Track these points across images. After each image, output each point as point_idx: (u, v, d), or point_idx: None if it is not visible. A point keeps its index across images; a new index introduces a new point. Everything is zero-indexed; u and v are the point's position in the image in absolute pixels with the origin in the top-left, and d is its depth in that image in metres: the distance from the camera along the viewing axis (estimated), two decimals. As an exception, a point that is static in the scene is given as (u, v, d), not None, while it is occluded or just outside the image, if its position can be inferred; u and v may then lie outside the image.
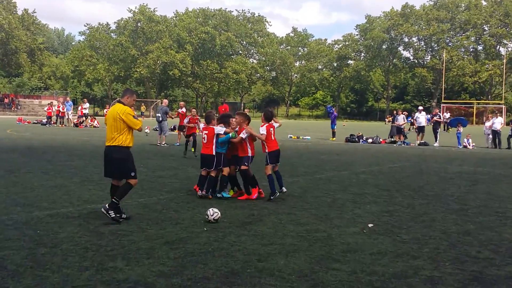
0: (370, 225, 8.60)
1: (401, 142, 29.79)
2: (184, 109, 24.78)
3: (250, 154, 10.65)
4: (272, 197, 10.52)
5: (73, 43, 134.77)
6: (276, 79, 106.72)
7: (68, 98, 46.92)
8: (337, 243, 7.40)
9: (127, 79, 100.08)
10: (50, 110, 42.58)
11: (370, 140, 30.41)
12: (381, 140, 30.53)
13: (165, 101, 27.44)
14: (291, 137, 33.87)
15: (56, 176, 12.90)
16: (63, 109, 41.97)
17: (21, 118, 47.82)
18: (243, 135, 10.53)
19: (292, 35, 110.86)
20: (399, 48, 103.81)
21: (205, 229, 7.96)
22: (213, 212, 8.42)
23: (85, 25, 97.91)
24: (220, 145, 10.48)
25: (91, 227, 7.79)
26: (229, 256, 6.51)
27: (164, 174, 14.08)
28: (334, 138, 32.84)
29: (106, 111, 43.41)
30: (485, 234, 8.25)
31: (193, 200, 10.31)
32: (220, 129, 10.58)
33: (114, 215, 8.01)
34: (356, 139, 30.76)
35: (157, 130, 25.79)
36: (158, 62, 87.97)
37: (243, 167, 10.53)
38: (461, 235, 8.10)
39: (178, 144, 24.00)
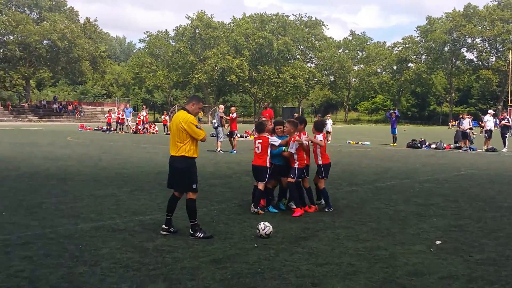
0: (437, 242, 7.78)
1: (467, 147, 28.30)
2: (235, 114, 24.35)
3: (297, 166, 9.73)
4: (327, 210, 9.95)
5: (134, 51, 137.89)
6: (334, 83, 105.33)
7: (127, 105, 47.52)
8: (401, 263, 6.65)
9: (186, 85, 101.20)
10: (110, 117, 43.19)
11: (433, 146, 29.07)
12: (445, 145, 29.13)
13: (221, 106, 27.00)
14: (349, 142, 32.91)
15: (107, 185, 12.64)
16: (122, 116, 42.47)
17: (83, 125, 48.81)
18: (291, 149, 9.68)
19: (350, 38, 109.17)
20: (462, 50, 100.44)
21: (255, 245, 7.37)
22: (265, 227, 7.83)
23: (144, 33, 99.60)
24: (273, 157, 9.84)
25: (135, 242, 7.35)
26: (280, 278, 5.89)
27: (216, 182, 13.60)
28: (395, 144, 31.64)
29: (164, 117, 43.78)
30: None
31: (244, 212, 9.75)
32: (275, 139, 9.87)
33: (203, 235, 7.69)
34: (418, 144, 29.48)
35: (214, 136, 25.44)
36: (216, 68, 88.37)
37: (289, 180, 9.75)
38: (543, 255, 7.19)
39: (235, 151, 23.56)
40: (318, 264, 6.51)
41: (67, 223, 8.44)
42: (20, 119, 69.94)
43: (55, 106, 78.39)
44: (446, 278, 6.08)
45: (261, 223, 7.92)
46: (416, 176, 16.23)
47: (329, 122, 34.19)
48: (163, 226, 7.89)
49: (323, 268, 6.33)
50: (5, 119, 67.45)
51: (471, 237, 8.17)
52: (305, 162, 9.96)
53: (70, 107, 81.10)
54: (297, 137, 9.71)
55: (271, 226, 7.87)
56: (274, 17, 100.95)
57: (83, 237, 7.58)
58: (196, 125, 7.67)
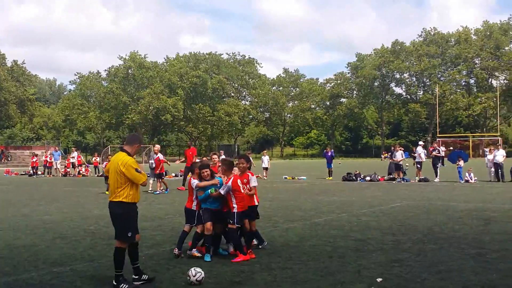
0: (378, 280, 7.40)
1: (401, 179, 28.66)
2: (160, 155, 23.61)
3: (236, 210, 8.89)
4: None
5: (65, 93, 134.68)
6: (269, 119, 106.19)
7: (56, 148, 45.77)
8: (342, 306, 6.19)
9: (119, 126, 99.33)
10: (34, 160, 41.25)
11: (368, 178, 29.27)
12: (379, 177, 29.41)
13: (157, 146, 26.13)
14: (286, 177, 32.73)
15: (28, 234, 11.65)
16: (50, 159, 40.76)
17: (9, 170, 46.61)
18: (222, 190, 8.93)
19: (284, 75, 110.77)
20: (391, 84, 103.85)
21: (183, 294, 6.75)
22: (196, 272, 7.21)
23: (75, 74, 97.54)
24: (203, 201, 9.05)
25: None
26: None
27: (148, 225, 12.83)
28: (331, 177, 31.76)
29: (95, 159, 42.39)
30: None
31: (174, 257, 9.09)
32: (194, 182, 9.11)
33: (127, 286, 6.98)
34: (354, 177, 29.64)
35: (149, 177, 24.56)
36: (150, 107, 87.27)
37: (230, 226, 8.98)
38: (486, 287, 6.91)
39: (167, 191, 22.82)
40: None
41: (-28, 280, 7.55)
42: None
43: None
44: (390, 320, 5.65)
45: (192, 269, 7.31)
46: (353, 209, 16.01)
47: (266, 158, 33.91)
48: (133, 276, 7.22)
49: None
50: None
51: (412, 272, 7.84)
52: (247, 204, 9.13)
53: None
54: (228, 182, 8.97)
55: (202, 272, 7.27)
56: (207, 56, 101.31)
57: (-10, 295, 6.73)
58: (136, 169, 7.05)
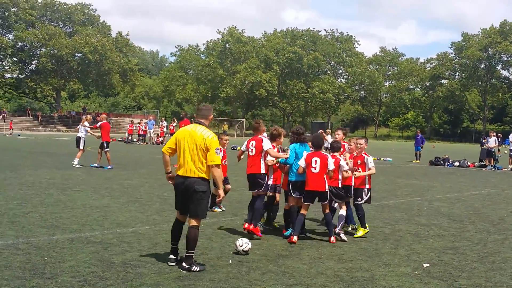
0: (425, 265, 7.32)
1: (492, 166, 27.42)
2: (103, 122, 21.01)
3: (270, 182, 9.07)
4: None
5: (166, 65, 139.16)
6: (364, 98, 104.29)
7: (150, 117, 47.70)
8: (378, 286, 6.22)
9: (215, 99, 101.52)
10: (131, 128, 43.28)
11: (456, 164, 28.24)
12: (469, 163, 28.29)
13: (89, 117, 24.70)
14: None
15: (105, 196, 12.45)
16: (145, 127, 42.60)
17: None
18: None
19: (382, 54, 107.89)
20: (497, 67, 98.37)
21: (229, 262, 7.02)
22: (243, 243, 7.47)
23: (176, 47, 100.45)
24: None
25: (105, 255, 7.07)
26: (240, 299, 5.53)
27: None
28: (418, 161, 30.98)
29: (173, 126, 42.60)
30: None
31: (237, 226, 9.42)
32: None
33: (198, 268, 6.60)
34: (441, 162, 28.69)
35: None
36: (245, 82, 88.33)
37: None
38: (537, 283, 6.66)
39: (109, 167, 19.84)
40: (287, 284, 6.13)
41: (44, 233, 8.22)
42: (49, 129, 70.96)
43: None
44: (421, 305, 5.63)
45: (239, 239, 7.58)
46: (428, 194, 15.66)
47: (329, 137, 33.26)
48: (171, 256, 6.90)
49: (291, 290, 5.95)
50: (34, 128, 68.56)
51: (464, 261, 7.67)
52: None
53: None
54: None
55: (249, 243, 7.51)
56: (305, 32, 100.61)
57: (53, 248, 7.33)
58: (216, 148, 6.77)
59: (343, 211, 9.07)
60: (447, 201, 14.09)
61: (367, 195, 9.34)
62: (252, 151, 8.88)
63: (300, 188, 8.71)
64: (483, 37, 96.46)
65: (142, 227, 9.05)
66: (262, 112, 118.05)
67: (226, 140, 11.20)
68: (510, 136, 28.39)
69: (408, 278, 6.63)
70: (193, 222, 6.76)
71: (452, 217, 11.51)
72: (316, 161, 8.56)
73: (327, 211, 8.77)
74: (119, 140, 46.38)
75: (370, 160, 9.35)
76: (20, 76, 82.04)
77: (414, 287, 6.29)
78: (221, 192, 6.93)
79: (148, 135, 42.78)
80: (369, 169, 9.27)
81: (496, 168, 27.31)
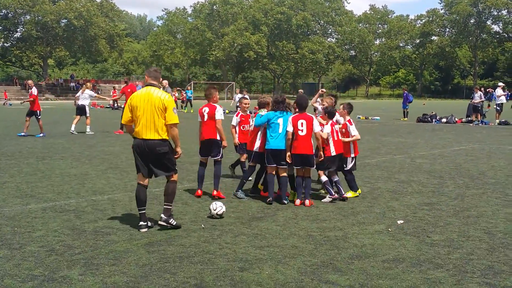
0: (399, 222, 7.32)
1: (479, 121, 27.44)
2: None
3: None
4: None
5: (154, 29, 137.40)
6: (355, 58, 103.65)
7: (137, 82, 47.22)
8: (350, 245, 6.22)
9: (204, 62, 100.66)
10: (115, 94, 42.90)
11: (444, 120, 28.26)
12: (456, 119, 28.30)
13: (165, 82, 25.74)
14: (359, 117, 32.20)
15: (84, 163, 12.36)
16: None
17: (95, 103, 48.75)
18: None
19: (372, 12, 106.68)
20: (487, 22, 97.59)
21: (202, 226, 6.99)
22: (216, 206, 7.43)
23: (162, 10, 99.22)
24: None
25: (77, 224, 7.01)
26: (208, 263, 5.49)
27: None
28: (406, 118, 30.99)
29: (174, 94, 42.91)
30: (541, 234, 6.78)
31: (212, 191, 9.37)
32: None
33: (176, 222, 6.83)
34: (429, 118, 28.69)
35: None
36: (234, 44, 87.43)
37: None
38: (508, 236, 6.68)
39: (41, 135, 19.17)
40: (258, 246, 6.11)
41: (18, 203, 8.15)
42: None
43: (72, 84, 78.51)
44: (390, 261, 5.63)
45: (214, 202, 7.54)
46: (412, 151, 15.66)
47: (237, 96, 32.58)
48: (141, 223, 6.81)
49: (262, 251, 5.92)
50: (22, 97, 67.78)
51: (439, 216, 7.68)
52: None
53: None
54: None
55: (223, 206, 7.48)
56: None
57: (25, 218, 7.27)
58: (173, 108, 6.78)
59: (323, 177, 8.91)
60: (429, 158, 14.10)
61: (351, 162, 9.27)
62: (205, 118, 8.73)
63: (276, 157, 8.50)
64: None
65: (119, 194, 9.00)
66: (253, 74, 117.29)
67: (246, 104, 10.29)
68: (495, 91, 28.36)
69: (381, 236, 6.63)
70: (170, 177, 6.92)
71: (432, 173, 11.52)
72: (302, 123, 8.39)
73: (309, 175, 8.66)
74: (106, 107, 46.09)
75: (353, 128, 9.24)
76: (5, 44, 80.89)
77: (386, 244, 6.28)
78: (179, 149, 6.96)
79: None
80: (352, 136, 9.18)
81: (483, 123, 27.34)
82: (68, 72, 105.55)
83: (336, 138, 8.84)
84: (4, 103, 53.86)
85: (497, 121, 27.14)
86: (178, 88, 49.94)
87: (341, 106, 9.55)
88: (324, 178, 8.77)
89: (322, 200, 8.67)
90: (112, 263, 5.44)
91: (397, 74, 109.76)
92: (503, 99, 27.62)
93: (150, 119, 6.68)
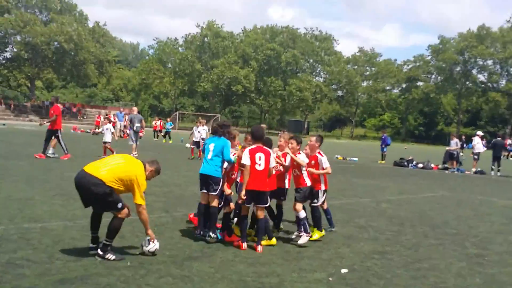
0: (343, 271, 6.85)
1: (454, 169, 27.21)
2: None
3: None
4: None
5: (146, 57, 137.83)
6: (342, 98, 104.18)
7: (121, 109, 46.93)
8: (281, 294, 5.73)
9: (193, 93, 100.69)
10: (99, 120, 42.52)
11: (420, 165, 28.02)
12: (432, 166, 28.07)
13: (135, 108, 25.66)
14: (337, 157, 31.90)
15: (35, 188, 11.78)
16: (114, 119, 41.74)
17: (76, 127, 48.22)
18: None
19: (360, 54, 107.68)
20: (473, 71, 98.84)
21: (128, 263, 6.47)
22: (149, 244, 6.92)
23: (154, 39, 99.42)
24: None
25: (-6, 253, 6.47)
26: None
27: (157, 191, 12.71)
28: (383, 161, 30.76)
29: (155, 123, 42.89)
30: (490, 293, 6.34)
31: (163, 223, 8.86)
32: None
33: (114, 257, 6.56)
34: (406, 163, 28.45)
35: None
36: (223, 77, 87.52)
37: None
38: (455, 293, 6.23)
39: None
40: (180, 290, 5.61)
41: None
42: (21, 118, 69.57)
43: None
44: (318, 316, 5.15)
45: (146, 238, 7.02)
46: (380, 195, 15.27)
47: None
48: (90, 245, 6.86)
49: (183, 296, 5.42)
50: (5, 117, 67.10)
51: (388, 266, 7.23)
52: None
53: (74, 109, 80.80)
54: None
55: (157, 243, 6.95)
56: (284, 29, 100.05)
57: None
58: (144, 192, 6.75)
59: (302, 212, 8.41)
60: (395, 203, 13.70)
61: (323, 196, 8.88)
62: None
63: (203, 182, 8.08)
64: (460, 40, 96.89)
65: (55, 222, 8.45)
66: (241, 108, 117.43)
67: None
68: (473, 140, 28.25)
69: (319, 285, 6.16)
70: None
71: (394, 219, 11.11)
72: (260, 157, 7.82)
73: (262, 215, 8.03)
74: (87, 132, 45.55)
75: (324, 160, 8.83)
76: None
77: (320, 295, 5.81)
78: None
79: (118, 128, 41.94)
80: (323, 169, 8.77)
81: (459, 171, 27.11)
82: (58, 95, 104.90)
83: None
84: None
85: (473, 169, 26.92)
86: (159, 118, 49.75)
87: (313, 138, 9.16)
88: (303, 213, 8.29)
89: (299, 242, 8.08)
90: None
91: (383, 117, 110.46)
92: (480, 148, 27.44)
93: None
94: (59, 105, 20.07)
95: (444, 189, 18.17)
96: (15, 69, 79.20)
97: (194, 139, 24.51)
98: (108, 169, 6.65)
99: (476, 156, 27.27)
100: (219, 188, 7.97)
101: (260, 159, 7.82)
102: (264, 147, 8.02)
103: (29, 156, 18.87)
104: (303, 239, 8.14)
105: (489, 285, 6.71)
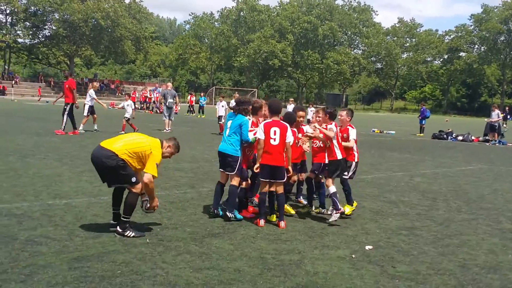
0: (367, 247, 6.62)
1: (496, 141, 26.40)
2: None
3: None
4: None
5: (183, 33, 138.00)
6: (381, 70, 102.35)
7: (156, 85, 47.20)
8: (300, 272, 5.54)
9: (230, 68, 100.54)
10: (134, 96, 42.91)
11: (460, 138, 27.27)
12: (473, 138, 27.29)
13: (169, 84, 25.69)
14: (374, 131, 31.35)
15: (65, 164, 11.87)
16: (150, 95, 42.06)
17: (113, 103, 48.72)
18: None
19: (400, 25, 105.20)
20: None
21: (147, 241, 6.39)
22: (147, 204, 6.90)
23: (190, 14, 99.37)
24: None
25: (14, 230, 6.43)
26: (128, 286, 4.87)
27: (182, 166, 12.64)
28: (421, 134, 30.08)
29: (191, 98, 42.96)
30: (522, 271, 6.03)
31: (187, 200, 8.77)
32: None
33: (133, 234, 6.51)
34: (445, 135, 27.74)
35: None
36: (259, 51, 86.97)
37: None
38: (485, 272, 5.94)
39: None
40: (197, 268, 5.47)
41: (-33, 204, 7.67)
42: (61, 95, 70.70)
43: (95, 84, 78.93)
44: (336, 295, 4.96)
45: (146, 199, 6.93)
46: (414, 169, 14.86)
47: (290, 107, 30.78)
48: (111, 222, 6.84)
49: (198, 274, 5.28)
50: (45, 94, 68.33)
51: (415, 243, 6.97)
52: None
53: (112, 86, 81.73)
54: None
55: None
56: (321, 1, 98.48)
57: (-37, 220, 6.77)
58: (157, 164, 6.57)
59: (332, 187, 8.06)
60: (430, 177, 13.31)
61: (353, 169, 8.60)
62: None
63: (221, 159, 7.91)
64: (504, 9, 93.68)
65: (79, 199, 8.44)
66: (278, 82, 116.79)
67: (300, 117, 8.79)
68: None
69: (340, 263, 5.95)
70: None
71: (426, 193, 10.77)
72: (275, 131, 7.55)
73: (281, 191, 7.83)
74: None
75: (352, 132, 8.52)
76: (33, 41, 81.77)
77: (341, 273, 5.60)
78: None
79: (153, 103, 42.29)
80: (349, 141, 8.46)
81: (501, 143, 26.29)
82: (96, 71, 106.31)
83: (340, 141, 8.21)
84: (38, 99, 54.40)
85: (516, 141, 26.11)
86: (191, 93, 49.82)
87: (344, 112, 8.82)
88: (333, 188, 7.94)
89: (329, 220, 7.79)
90: (21, 280, 4.87)
91: (424, 89, 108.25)
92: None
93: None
94: (73, 79, 20.35)
95: (482, 162, 17.60)
96: (54, 46, 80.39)
97: (218, 115, 24.69)
98: (123, 143, 6.58)
99: (518, 128, 26.44)
100: (237, 167, 7.78)
101: (275, 134, 7.56)
102: (281, 121, 7.76)
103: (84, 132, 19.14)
104: (333, 217, 7.88)
105: (521, 263, 6.39)
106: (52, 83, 75.69)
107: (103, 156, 6.45)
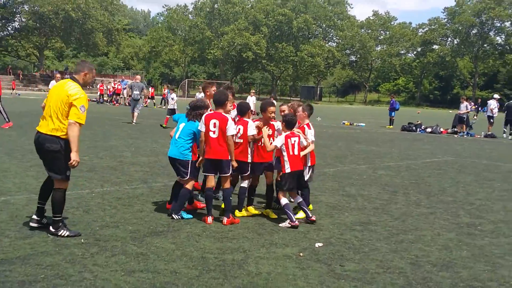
0: (318, 245, 6.33)
1: (464, 132, 26.45)
2: None
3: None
4: None
5: (158, 25, 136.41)
6: (355, 63, 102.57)
7: (123, 77, 46.57)
8: (242, 273, 5.22)
9: (203, 61, 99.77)
10: (102, 88, 42.13)
11: (429, 130, 27.26)
12: (441, 130, 27.30)
13: (138, 77, 25.30)
14: (344, 123, 31.21)
15: (15, 158, 11.37)
16: (119, 86, 41.39)
17: (83, 97, 47.89)
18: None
19: (374, 18, 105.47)
20: (490, 33, 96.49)
21: (82, 241, 6.00)
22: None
23: (163, 6, 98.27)
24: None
25: None
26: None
27: (139, 160, 12.23)
28: (391, 126, 30.07)
29: (164, 91, 42.36)
30: (475, 268, 5.79)
31: (136, 196, 8.40)
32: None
33: (68, 233, 6.11)
34: (413, 127, 27.70)
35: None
36: (233, 44, 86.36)
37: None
38: (436, 269, 5.68)
39: None
40: (130, 271, 5.09)
41: None
42: (30, 87, 69.53)
43: (66, 76, 77.50)
44: (275, 298, 4.65)
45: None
46: (379, 161, 14.66)
47: (251, 99, 30.00)
48: (33, 216, 6.39)
49: (129, 278, 4.91)
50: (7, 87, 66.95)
51: (368, 239, 6.70)
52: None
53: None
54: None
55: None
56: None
57: None
58: (82, 106, 6.06)
59: (283, 200, 7.43)
60: (393, 169, 13.11)
61: (308, 173, 8.04)
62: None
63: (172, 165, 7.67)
64: (477, 2, 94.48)
65: (20, 196, 8.00)
66: (253, 75, 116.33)
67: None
68: (488, 103, 27.43)
69: (286, 262, 5.64)
70: (55, 184, 6.19)
71: (387, 187, 10.54)
72: (215, 123, 7.15)
73: (227, 185, 7.41)
74: (92, 100, 45.12)
75: (311, 133, 7.97)
76: (1, 33, 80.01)
77: (286, 273, 5.29)
78: (73, 155, 5.96)
79: (122, 96, 41.57)
80: (308, 144, 7.84)
81: (469, 134, 26.35)
82: (68, 64, 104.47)
83: (291, 153, 7.46)
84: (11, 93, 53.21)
85: (483, 133, 26.13)
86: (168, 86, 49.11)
87: (300, 108, 8.37)
88: (284, 200, 7.38)
89: (280, 225, 7.25)
90: None
91: (397, 82, 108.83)
92: (496, 112, 26.64)
93: (53, 113, 6.07)
94: None
95: (448, 154, 17.50)
96: (23, 39, 78.76)
97: (169, 107, 23.79)
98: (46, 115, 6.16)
99: (491, 120, 26.48)
100: (189, 171, 7.37)
101: (214, 126, 7.17)
102: (223, 113, 7.31)
103: (21, 126, 18.48)
104: (284, 223, 7.27)
105: (476, 258, 6.16)
106: (21, 76, 74.14)
107: (46, 141, 6.12)
